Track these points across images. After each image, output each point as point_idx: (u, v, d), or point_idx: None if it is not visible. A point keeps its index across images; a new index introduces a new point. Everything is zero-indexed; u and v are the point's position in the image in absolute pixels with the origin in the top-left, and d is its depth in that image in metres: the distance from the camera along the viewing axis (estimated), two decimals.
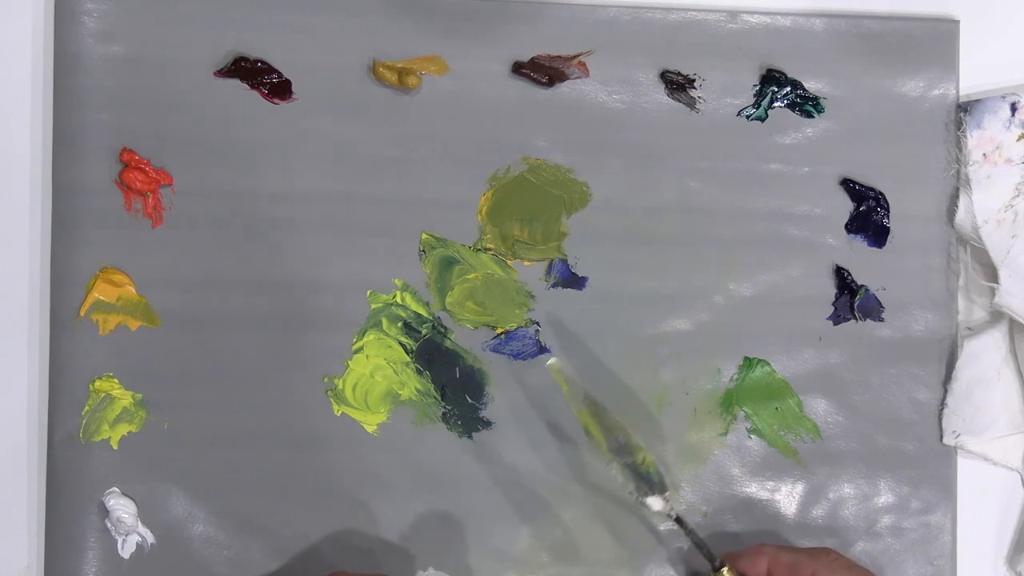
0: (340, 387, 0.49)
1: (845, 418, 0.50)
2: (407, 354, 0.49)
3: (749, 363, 0.50)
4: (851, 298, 0.50)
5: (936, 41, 0.51)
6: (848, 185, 0.50)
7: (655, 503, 0.45)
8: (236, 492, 0.48)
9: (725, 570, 0.44)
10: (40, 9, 0.48)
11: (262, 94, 0.48)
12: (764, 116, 0.50)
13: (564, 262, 0.50)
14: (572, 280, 0.50)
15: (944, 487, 0.50)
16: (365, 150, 0.49)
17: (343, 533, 0.48)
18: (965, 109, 0.50)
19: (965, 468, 0.51)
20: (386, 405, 0.49)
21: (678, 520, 0.45)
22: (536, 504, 0.49)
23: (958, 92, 0.51)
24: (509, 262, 0.49)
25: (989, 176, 0.50)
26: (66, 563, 0.47)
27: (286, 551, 0.48)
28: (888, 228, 0.50)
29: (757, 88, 0.50)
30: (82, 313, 0.47)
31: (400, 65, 0.49)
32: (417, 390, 0.49)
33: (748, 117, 0.50)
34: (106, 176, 0.48)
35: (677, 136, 0.50)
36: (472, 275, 0.49)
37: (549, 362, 0.46)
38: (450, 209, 0.49)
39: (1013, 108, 0.50)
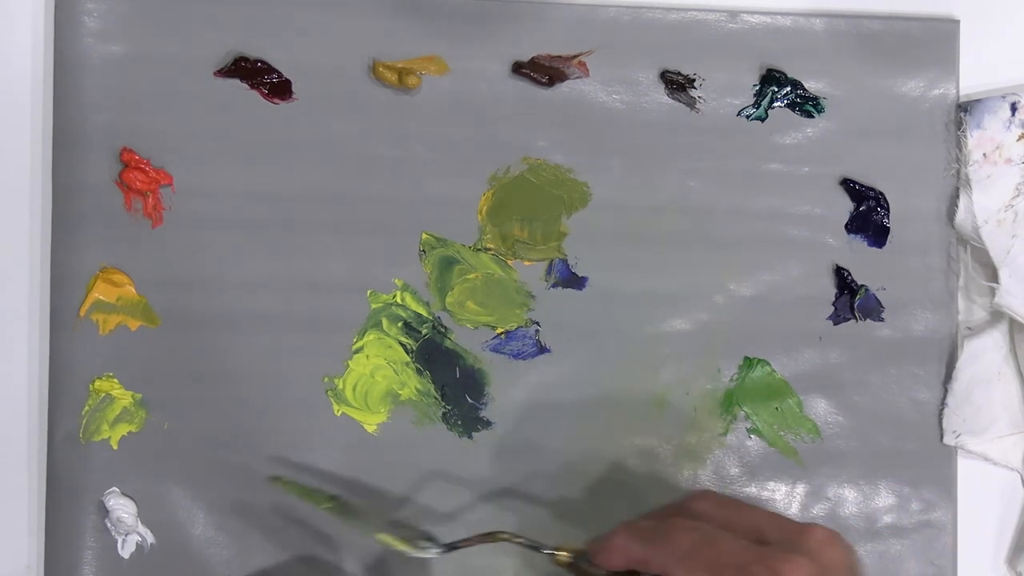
0: (340, 387, 0.49)
1: (845, 418, 0.50)
2: (407, 354, 0.49)
3: (749, 363, 0.50)
4: (851, 298, 0.50)
5: (936, 41, 0.51)
6: (848, 185, 0.50)
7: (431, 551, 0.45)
8: (236, 492, 0.48)
9: (563, 553, 0.42)
10: (40, 9, 0.48)
11: (262, 94, 0.48)
12: (764, 116, 0.50)
13: (564, 262, 0.50)
14: (572, 280, 0.50)
15: (944, 487, 0.50)
16: (365, 150, 0.49)
17: (343, 533, 0.48)
18: (965, 109, 0.50)
19: (965, 468, 0.51)
20: (386, 405, 0.49)
21: (493, 536, 0.44)
22: (536, 504, 0.49)
23: (958, 92, 0.51)
24: (509, 262, 0.49)
25: (989, 176, 0.50)
26: (66, 563, 0.47)
27: (286, 551, 0.48)
28: (888, 228, 0.50)
29: (757, 88, 0.50)
30: (82, 313, 0.47)
31: (400, 65, 0.49)
32: (417, 390, 0.49)
33: (748, 117, 0.50)
34: (106, 176, 0.48)
35: (677, 136, 0.50)
36: (472, 275, 0.49)
37: (273, 480, 0.47)
38: (450, 209, 0.49)
39: (1013, 108, 0.50)
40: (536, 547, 0.43)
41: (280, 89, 0.48)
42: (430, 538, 0.45)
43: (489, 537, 0.44)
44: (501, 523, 0.48)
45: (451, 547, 0.44)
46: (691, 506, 0.41)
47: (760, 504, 0.50)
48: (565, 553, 0.42)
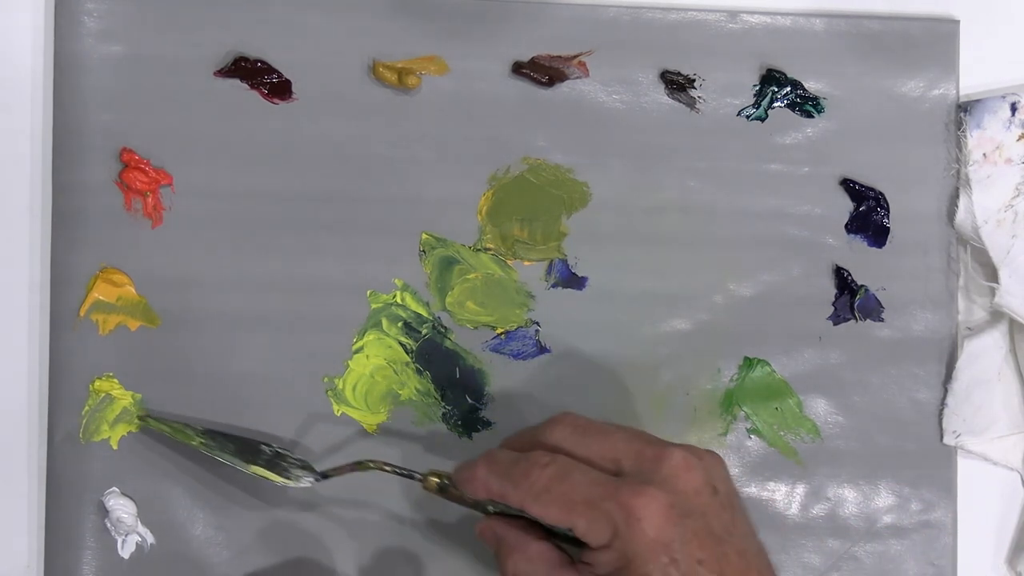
0: (340, 387, 0.49)
1: (845, 418, 0.50)
2: (407, 354, 0.49)
3: (749, 363, 0.50)
4: (851, 298, 0.50)
5: (936, 41, 0.51)
6: (848, 185, 0.50)
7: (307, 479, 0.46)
8: (236, 492, 0.48)
9: (431, 478, 0.44)
10: (40, 9, 0.48)
11: (262, 94, 0.48)
12: (764, 116, 0.50)
13: (564, 262, 0.50)
14: (572, 280, 0.50)
15: (944, 487, 0.50)
16: (365, 150, 0.49)
17: (343, 533, 0.48)
18: (965, 109, 0.50)
19: (965, 468, 0.51)
20: (386, 405, 0.49)
21: (363, 464, 0.45)
22: None
23: (958, 92, 0.51)
24: (509, 262, 0.49)
25: (989, 176, 0.50)
26: (66, 563, 0.47)
27: (286, 552, 0.48)
28: (888, 228, 0.50)
29: (757, 88, 0.50)
30: (82, 313, 0.47)
31: (400, 65, 0.49)
32: (417, 390, 0.49)
33: (748, 117, 0.50)
34: (106, 176, 0.48)
35: (677, 136, 0.50)
36: (472, 275, 0.49)
37: (142, 420, 0.47)
38: (450, 209, 0.49)
39: (1013, 108, 0.50)
40: (406, 474, 0.44)
41: (280, 89, 0.48)
42: (304, 467, 0.46)
43: (360, 465, 0.45)
44: None
45: (324, 476, 0.46)
46: (551, 434, 0.41)
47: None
48: (434, 479, 0.44)
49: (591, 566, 0.39)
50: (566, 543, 0.41)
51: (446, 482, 0.44)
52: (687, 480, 0.39)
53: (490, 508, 0.43)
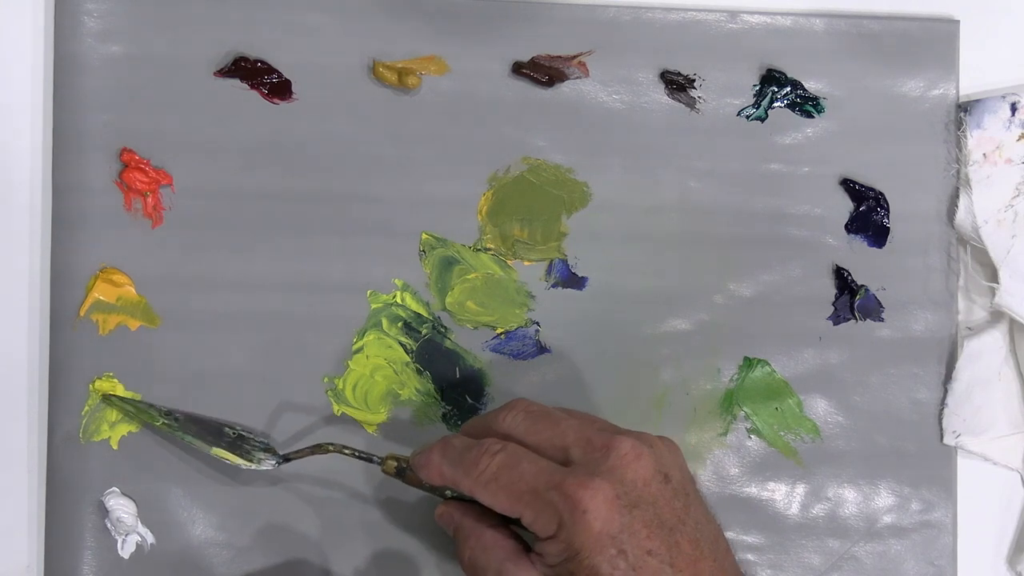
0: (340, 387, 0.49)
1: (845, 418, 0.50)
2: (407, 354, 0.49)
3: (749, 363, 0.50)
4: (851, 298, 0.50)
5: (936, 41, 0.51)
6: (848, 185, 0.50)
7: (269, 461, 0.46)
8: (236, 492, 0.48)
9: (390, 460, 0.44)
10: (40, 9, 0.48)
11: (262, 94, 0.48)
12: (764, 116, 0.50)
13: (564, 262, 0.50)
14: (572, 280, 0.50)
15: (944, 487, 0.50)
16: (365, 150, 0.49)
17: (343, 533, 0.48)
18: (965, 109, 0.50)
19: (965, 468, 0.51)
20: (386, 405, 0.49)
21: (323, 447, 0.45)
22: None
23: (958, 92, 0.51)
24: (509, 262, 0.49)
25: (989, 176, 0.50)
26: (66, 563, 0.47)
27: (286, 551, 0.48)
28: (888, 228, 0.50)
29: (757, 88, 0.50)
30: (82, 313, 0.47)
31: (400, 65, 0.49)
32: (417, 390, 0.49)
33: (748, 117, 0.50)
34: (106, 176, 0.48)
35: (677, 136, 0.50)
36: (472, 275, 0.49)
37: (106, 400, 0.47)
38: (450, 209, 0.49)
39: (1013, 108, 0.50)
40: (365, 457, 0.45)
41: (280, 89, 0.48)
42: (266, 450, 0.46)
43: (319, 448, 0.46)
44: None
45: (285, 459, 0.46)
46: (503, 421, 0.42)
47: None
48: (392, 462, 0.44)
49: (543, 556, 0.39)
50: (523, 529, 0.41)
51: (404, 466, 0.44)
52: (635, 469, 0.39)
53: (448, 493, 0.43)
